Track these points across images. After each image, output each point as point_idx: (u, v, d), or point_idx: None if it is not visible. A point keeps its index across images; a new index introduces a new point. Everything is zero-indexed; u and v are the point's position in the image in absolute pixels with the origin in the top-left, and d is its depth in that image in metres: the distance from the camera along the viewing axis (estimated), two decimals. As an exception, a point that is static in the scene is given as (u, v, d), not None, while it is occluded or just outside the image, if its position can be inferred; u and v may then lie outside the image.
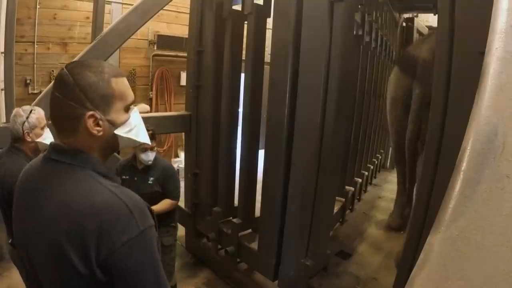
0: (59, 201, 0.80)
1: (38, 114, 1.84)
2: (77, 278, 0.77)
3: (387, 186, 5.78)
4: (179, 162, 5.69)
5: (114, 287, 0.80)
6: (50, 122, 0.99)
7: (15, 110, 1.83)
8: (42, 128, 1.85)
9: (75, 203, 0.79)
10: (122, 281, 0.80)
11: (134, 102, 0.94)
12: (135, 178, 2.48)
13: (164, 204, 2.46)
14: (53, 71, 4.55)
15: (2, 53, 2.70)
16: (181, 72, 5.68)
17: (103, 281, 0.79)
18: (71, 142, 0.85)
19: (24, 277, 1.05)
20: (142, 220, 0.81)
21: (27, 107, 1.85)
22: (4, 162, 1.76)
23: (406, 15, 6.23)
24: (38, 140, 1.82)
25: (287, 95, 2.24)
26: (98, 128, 0.84)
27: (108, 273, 0.78)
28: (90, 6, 3.90)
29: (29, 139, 1.78)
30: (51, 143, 0.89)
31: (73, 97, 0.82)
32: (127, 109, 0.91)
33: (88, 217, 0.77)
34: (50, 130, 1.88)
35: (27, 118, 1.77)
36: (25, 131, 1.76)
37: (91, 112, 0.83)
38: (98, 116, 0.84)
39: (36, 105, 2.21)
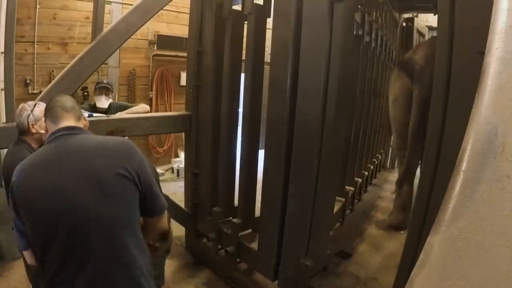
0: (97, 147, 1.30)
1: (42, 107, 1.95)
2: (128, 182, 1.26)
3: (387, 186, 5.78)
4: (179, 162, 5.69)
5: (141, 198, 1.31)
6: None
7: (21, 105, 1.97)
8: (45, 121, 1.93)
9: (110, 144, 1.33)
10: (147, 187, 1.32)
11: None
12: None
13: None
14: (53, 71, 4.55)
15: (2, 53, 2.70)
16: (181, 72, 5.67)
17: (140, 190, 1.30)
18: (77, 125, 1.37)
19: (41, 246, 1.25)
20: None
21: (31, 102, 1.99)
22: (9, 153, 1.92)
23: (406, 15, 6.23)
24: (43, 131, 1.93)
25: (287, 95, 2.23)
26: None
27: (141, 181, 1.29)
28: (90, 6, 3.90)
29: (33, 131, 1.92)
30: (67, 127, 1.33)
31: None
32: None
33: (121, 149, 1.32)
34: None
35: (31, 111, 1.92)
36: (29, 123, 1.90)
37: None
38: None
39: None
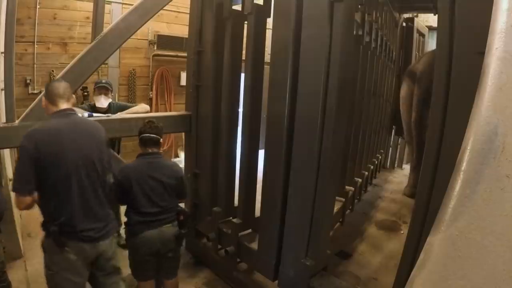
0: (89, 123, 2.09)
1: None
2: (106, 149, 2.07)
3: (387, 186, 5.78)
4: (179, 162, 5.68)
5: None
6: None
7: None
8: None
9: (92, 123, 2.13)
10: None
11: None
12: None
13: None
14: (53, 71, 4.54)
15: (2, 53, 2.70)
16: (181, 72, 5.67)
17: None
18: (71, 107, 1.99)
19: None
20: None
21: None
22: None
23: (406, 15, 6.23)
24: None
25: (287, 95, 2.24)
26: None
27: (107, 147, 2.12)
28: (90, 6, 3.89)
29: None
30: (66, 108, 1.93)
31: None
32: None
33: (100, 127, 2.09)
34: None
35: None
36: None
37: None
38: None
39: (37, 105, 2.29)
